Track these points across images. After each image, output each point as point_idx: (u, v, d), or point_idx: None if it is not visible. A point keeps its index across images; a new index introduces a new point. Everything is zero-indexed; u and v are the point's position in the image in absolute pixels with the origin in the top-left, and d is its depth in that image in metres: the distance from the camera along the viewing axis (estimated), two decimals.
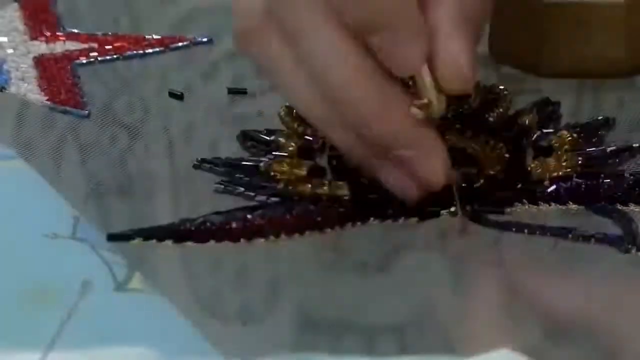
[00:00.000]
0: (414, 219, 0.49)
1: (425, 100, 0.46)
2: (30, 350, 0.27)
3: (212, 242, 0.48)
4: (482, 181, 0.50)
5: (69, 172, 0.51)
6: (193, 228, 0.48)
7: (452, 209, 0.48)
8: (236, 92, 0.57)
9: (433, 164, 0.46)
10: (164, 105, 0.56)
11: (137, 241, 0.47)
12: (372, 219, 0.49)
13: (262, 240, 0.48)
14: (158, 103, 0.56)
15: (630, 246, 0.46)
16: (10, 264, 0.39)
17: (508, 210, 0.49)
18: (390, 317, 0.44)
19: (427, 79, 0.45)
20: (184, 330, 0.38)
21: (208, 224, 0.48)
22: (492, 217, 0.49)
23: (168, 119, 0.55)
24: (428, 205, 0.48)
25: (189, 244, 0.47)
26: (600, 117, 0.54)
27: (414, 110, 0.46)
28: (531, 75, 0.57)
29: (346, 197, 0.49)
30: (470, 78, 0.45)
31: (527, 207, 0.50)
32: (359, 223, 0.49)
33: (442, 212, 0.48)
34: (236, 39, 0.48)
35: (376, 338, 0.43)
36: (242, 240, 0.48)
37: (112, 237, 0.46)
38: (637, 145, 0.52)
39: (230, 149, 0.53)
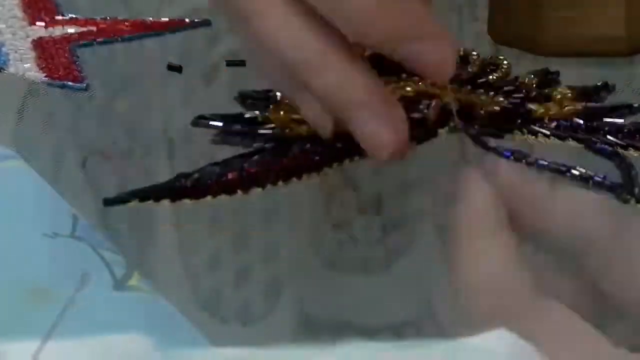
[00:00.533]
0: (412, 143, 0.48)
1: None
2: (27, 343, 0.27)
3: (208, 198, 0.47)
4: (482, 111, 0.50)
5: (68, 161, 0.52)
6: (189, 184, 0.47)
7: (451, 124, 0.48)
8: (235, 64, 0.56)
9: (442, 51, 0.43)
10: (163, 90, 0.56)
11: (133, 203, 0.47)
12: None
13: (259, 189, 0.47)
14: (157, 89, 0.56)
15: (628, 196, 0.46)
16: (10, 262, 0.39)
17: (507, 136, 0.49)
18: (390, 317, 0.44)
19: None
20: (182, 328, 0.38)
21: (205, 177, 0.47)
22: (492, 143, 0.48)
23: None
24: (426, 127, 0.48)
25: (187, 201, 0.47)
26: (599, 83, 0.54)
27: None
28: (530, 56, 0.57)
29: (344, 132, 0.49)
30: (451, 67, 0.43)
31: (525, 136, 0.49)
32: (357, 157, 0.48)
33: (439, 130, 0.48)
34: None
35: (376, 337, 0.43)
36: (239, 191, 0.47)
37: (109, 202, 0.46)
38: (637, 105, 0.52)
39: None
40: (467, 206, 0.36)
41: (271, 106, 0.51)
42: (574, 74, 0.55)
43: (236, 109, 0.56)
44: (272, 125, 0.50)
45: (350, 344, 0.28)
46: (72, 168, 0.52)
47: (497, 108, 0.50)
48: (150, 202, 0.46)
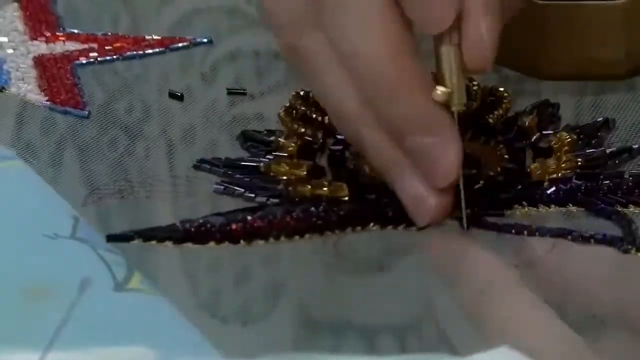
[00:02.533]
0: (414, 228, 0.48)
1: (448, 88, 0.46)
2: (29, 350, 0.27)
3: (211, 244, 0.48)
4: (481, 182, 0.50)
5: (69, 175, 0.52)
6: (193, 229, 0.48)
7: (457, 214, 0.48)
8: (235, 92, 0.57)
9: (450, 153, 0.46)
10: (164, 106, 0.56)
11: (136, 242, 0.47)
12: (372, 224, 0.49)
13: (262, 242, 0.48)
14: (158, 104, 0.56)
15: (630, 247, 0.46)
16: (10, 263, 0.39)
17: (507, 212, 0.49)
18: (390, 317, 0.44)
19: (452, 58, 0.46)
20: (183, 330, 0.38)
21: (208, 225, 0.48)
22: (491, 219, 0.49)
23: (168, 121, 0.55)
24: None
25: (189, 245, 0.47)
26: (600, 119, 0.54)
27: (438, 93, 0.46)
28: (531, 78, 0.57)
29: (346, 198, 0.49)
30: (491, 59, 0.46)
31: (526, 209, 0.50)
32: (358, 227, 0.49)
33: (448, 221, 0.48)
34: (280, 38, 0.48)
35: (376, 338, 0.43)
36: (241, 241, 0.48)
37: (112, 238, 0.46)
38: (637, 146, 0.52)
39: (230, 151, 0.53)
40: (480, 267, 0.35)
41: (273, 157, 0.52)
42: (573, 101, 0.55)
43: (235, 110, 0.56)
44: (276, 177, 0.50)
45: (352, 358, 0.28)
46: (72, 168, 0.52)
47: (498, 169, 0.51)
48: (154, 243, 0.47)
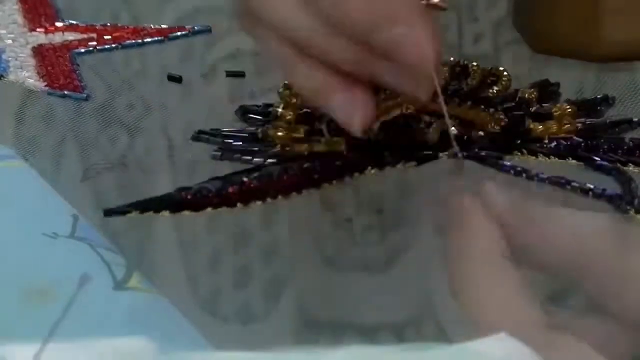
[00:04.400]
0: (412, 163, 0.48)
1: None
2: (28, 344, 0.27)
3: (209, 210, 0.47)
4: (481, 133, 0.50)
5: (69, 161, 0.52)
6: (189, 196, 0.47)
7: (451, 150, 0.48)
8: (234, 75, 0.57)
9: (422, 42, 0.42)
10: (164, 95, 0.56)
11: (134, 214, 0.47)
12: (369, 168, 0.48)
13: (259, 202, 0.48)
14: (157, 93, 0.56)
15: (628, 207, 0.46)
16: (9, 263, 0.39)
17: (506, 157, 0.49)
18: (390, 316, 0.44)
19: None
20: (182, 329, 0.38)
21: (204, 191, 0.47)
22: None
23: (167, 110, 0.55)
24: (426, 149, 0.48)
25: (186, 212, 0.47)
26: (599, 96, 0.54)
27: None
28: (531, 77, 0.56)
29: (343, 151, 0.49)
30: None
31: (526, 157, 0.49)
32: (356, 174, 0.48)
33: (440, 154, 0.48)
34: None
35: (376, 337, 0.43)
36: (238, 204, 0.47)
37: (109, 212, 0.46)
38: (637, 119, 0.52)
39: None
40: (469, 236, 0.35)
41: (271, 123, 0.51)
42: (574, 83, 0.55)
43: (235, 106, 0.56)
44: (272, 142, 0.50)
45: (351, 348, 0.28)
46: (72, 168, 0.52)
47: (497, 128, 0.50)
48: (150, 213, 0.47)
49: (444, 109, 0.46)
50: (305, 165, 0.48)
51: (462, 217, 0.35)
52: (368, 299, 0.45)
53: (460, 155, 0.46)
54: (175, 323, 0.38)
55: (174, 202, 0.47)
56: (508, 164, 0.48)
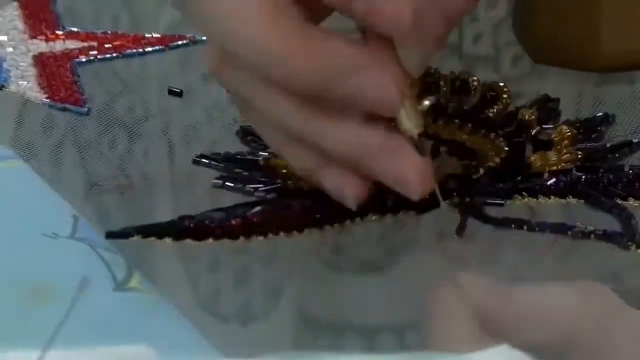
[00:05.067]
0: (413, 212, 0.48)
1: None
2: (29, 348, 0.27)
3: (210, 240, 0.47)
4: (481, 171, 0.50)
5: (69, 172, 0.52)
6: (192, 225, 0.48)
7: (452, 200, 0.48)
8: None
9: (385, 80, 0.42)
10: (164, 104, 0.56)
11: (136, 238, 0.47)
12: (370, 214, 0.48)
13: (261, 238, 0.48)
14: (158, 102, 0.56)
15: (629, 243, 0.46)
16: (10, 263, 0.39)
17: (507, 202, 0.49)
18: (390, 317, 0.44)
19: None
20: (182, 329, 0.38)
21: (207, 221, 0.48)
22: (492, 212, 0.49)
23: (168, 119, 0.55)
24: (426, 198, 0.48)
25: (188, 241, 0.47)
26: (599, 114, 0.54)
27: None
28: (531, 78, 0.56)
29: None
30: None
31: (526, 199, 0.50)
32: (358, 219, 0.49)
33: (442, 202, 0.48)
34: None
35: (376, 338, 0.43)
36: (241, 237, 0.48)
37: (111, 235, 0.46)
38: (637, 140, 0.52)
39: (230, 149, 0.53)
40: (442, 327, 0.35)
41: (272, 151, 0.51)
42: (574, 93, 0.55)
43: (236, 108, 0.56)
44: (275, 171, 0.50)
45: (353, 356, 0.28)
46: (72, 178, 0.52)
47: (497, 160, 0.51)
48: (153, 239, 0.47)
49: (439, 198, 0.46)
50: (307, 203, 0.48)
51: (439, 307, 0.35)
52: (368, 300, 0.45)
53: (447, 205, 0.48)
54: (175, 324, 0.38)
55: (177, 230, 0.47)
56: (507, 218, 0.49)
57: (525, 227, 0.48)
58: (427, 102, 0.44)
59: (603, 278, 0.45)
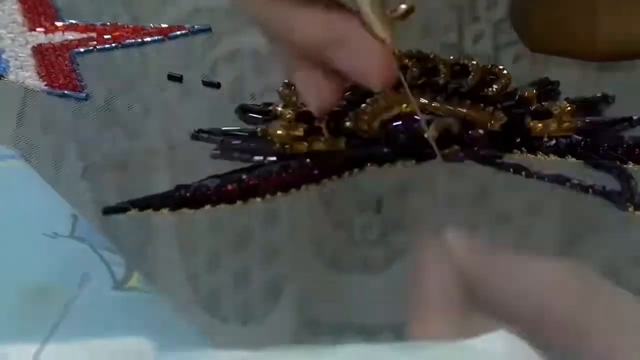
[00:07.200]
0: (412, 161, 0.48)
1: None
2: (27, 343, 0.27)
3: (208, 207, 0.47)
4: (481, 131, 0.50)
5: (68, 161, 0.52)
6: (188, 194, 0.48)
7: (452, 148, 0.48)
8: (210, 85, 0.57)
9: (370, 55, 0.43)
10: (163, 95, 0.56)
11: (132, 212, 0.47)
12: (369, 164, 0.48)
13: (259, 199, 0.48)
14: (158, 94, 0.56)
15: (628, 204, 0.46)
16: (10, 262, 0.39)
17: (506, 156, 0.49)
18: (390, 316, 0.44)
19: None
20: (181, 328, 0.38)
21: (203, 188, 0.48)
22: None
23: (168, 117, 0.55)
24: (425, 147, 0.48)
25: (185, 210, 0.47)
26: (598, 94, 0.54)
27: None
28: (531, 77, 0.56)
29: (343, 149, 0.49)
30: None
31: (525, 154, 0.49)
32: (356, 170, 0.48)
33: (438, 153, 0.48)
34: None
35: (376, 337, 0.43)
36: (238, 201, 0.47)
37: (108, 210, 0.46)
38: (637, 117, 0.52)
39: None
40: (421, 289, 0.35)
41: (271, 122, 0.51)
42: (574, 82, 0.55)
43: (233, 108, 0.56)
44: (271, 140, 0.50)
45: (350, 346, 0.28)
46: (72, 168, 0.52)
47: (497, 126, 0.51)
48: (150, 211, 0.47)
49: (413, 101, 0.46)
50: (305, 162, 0.48)
51: (421, 269, 0.35)
52: (368, 299, 0.45)
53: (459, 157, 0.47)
54: (175, 323, 0.38)
55: (173, 200, 0.47)
56: (507, 162, 0.49)
57: (523, 173, 0.48)
58: (403, 6, 0.43)
59: (603, 273, 0.45)
